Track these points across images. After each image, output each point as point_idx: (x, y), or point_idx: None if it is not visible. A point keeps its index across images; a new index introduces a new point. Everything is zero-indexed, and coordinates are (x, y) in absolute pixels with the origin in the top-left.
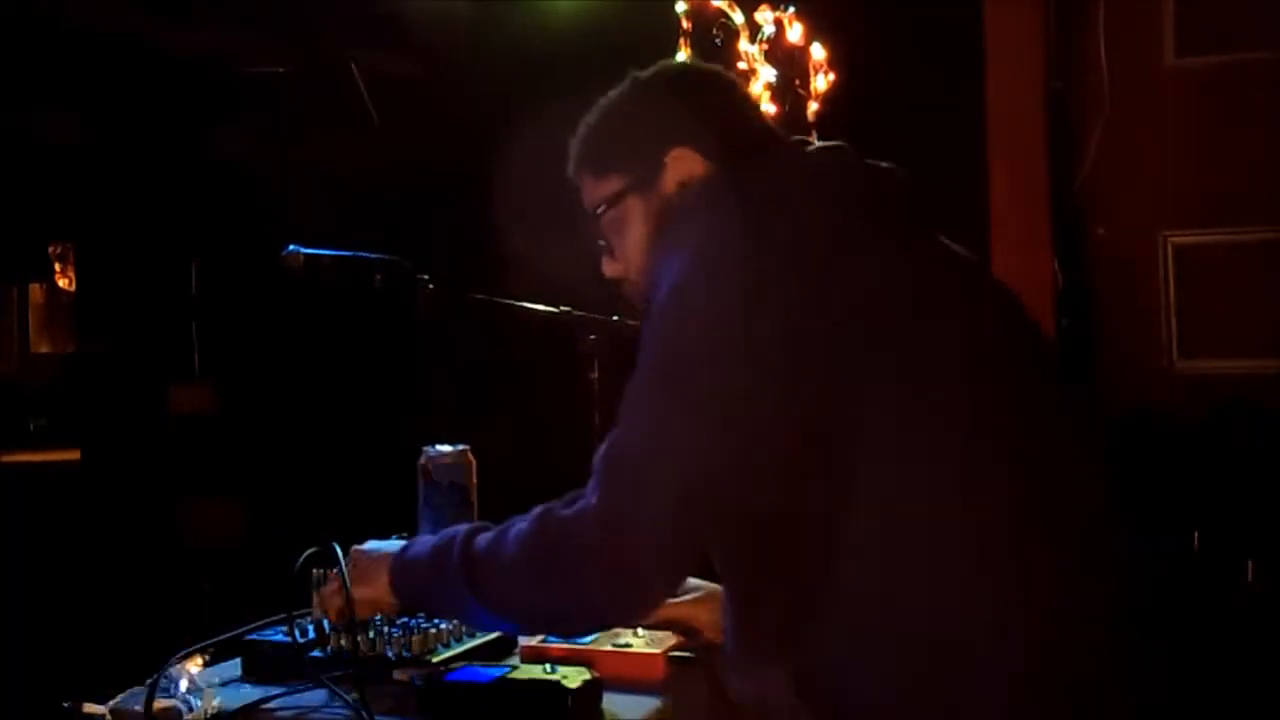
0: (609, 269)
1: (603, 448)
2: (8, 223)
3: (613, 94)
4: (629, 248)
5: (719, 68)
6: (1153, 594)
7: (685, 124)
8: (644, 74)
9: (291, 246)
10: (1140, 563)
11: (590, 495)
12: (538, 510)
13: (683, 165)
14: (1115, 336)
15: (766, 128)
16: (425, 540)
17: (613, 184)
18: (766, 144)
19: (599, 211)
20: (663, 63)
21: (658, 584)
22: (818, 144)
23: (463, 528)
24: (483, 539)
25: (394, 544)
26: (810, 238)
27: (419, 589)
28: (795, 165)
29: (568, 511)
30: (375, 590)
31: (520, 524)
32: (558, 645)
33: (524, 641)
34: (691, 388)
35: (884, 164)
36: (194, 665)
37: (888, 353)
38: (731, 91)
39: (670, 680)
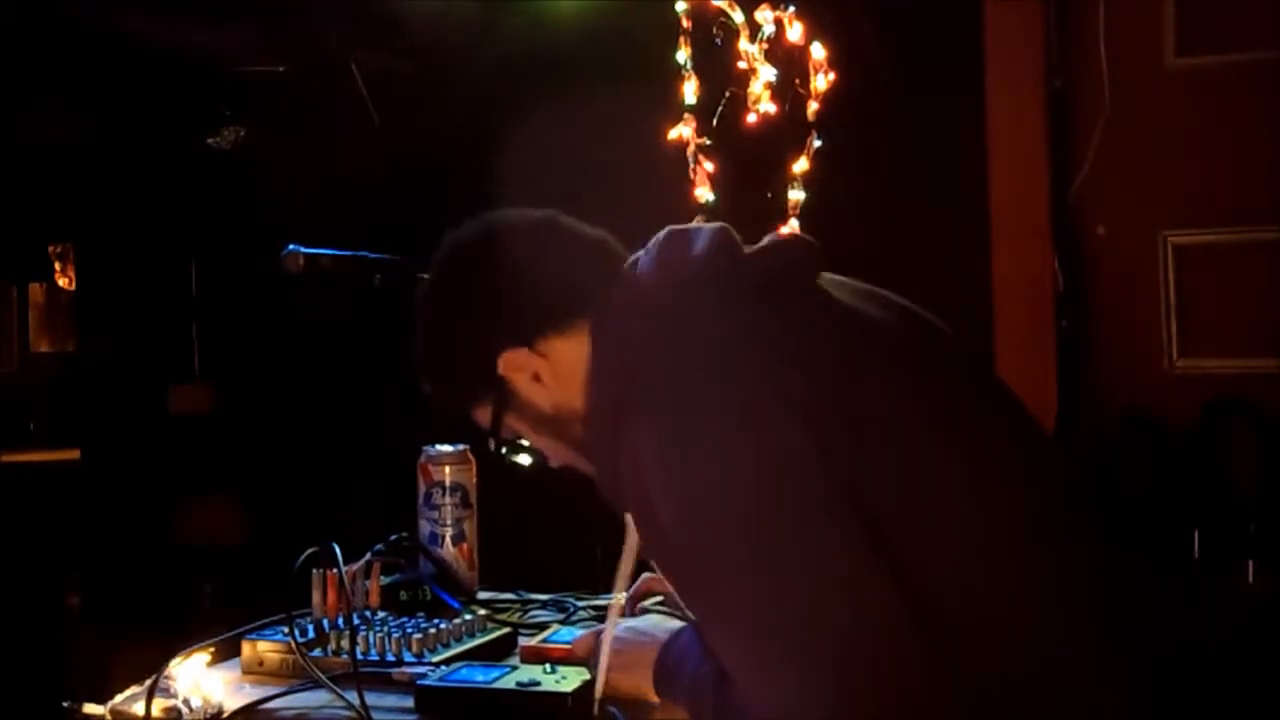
0: (554, 461)
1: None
2: (8, 223)
3: (419, 330)
4: (547, 449)
5: (508, 224)
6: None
7: (493, 326)
8: (426, 286)
9: (291, 246)
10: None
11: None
12: None
13: (518, 363)
14: (1115, 336)
15: (593, 252)
16: (686, 657)
17: (482, 414)
18: (601, 271)
19: (493, 445)
20: (439, 257)
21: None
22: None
23: (707, 668)
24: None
25: (649, 631)
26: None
27: (680, 702)
28: (688, 271)
29: None
30: (637, 683)
31: None
32: (558, 645)
33: (524, 642)
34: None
35: (780, 240)
36: (194, 665)
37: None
38: (531, 244)
39: None
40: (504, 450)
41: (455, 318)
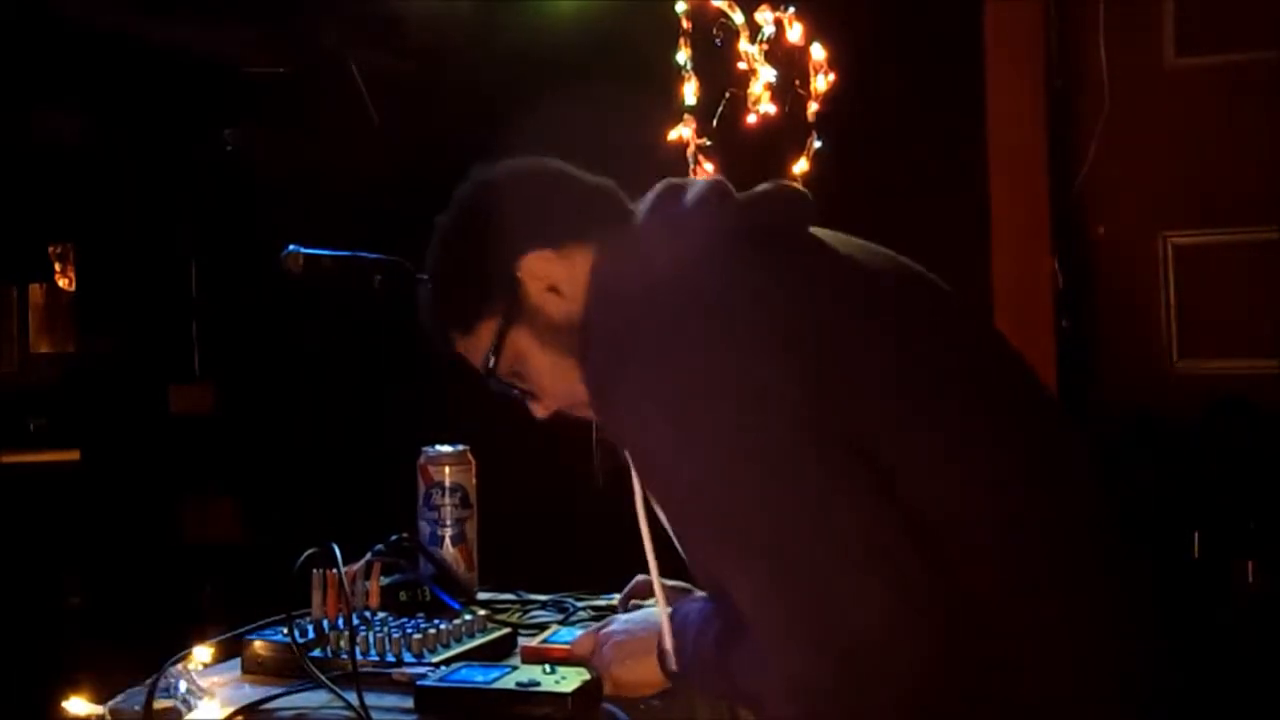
0: (540, 411)
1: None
2: (8, 223)
3: (431, 249)
4: (543, 380)
5: (525, 161)
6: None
7: (517, 231)
8: (450, 207)
9: (291, 246)
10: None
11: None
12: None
13: (539, 269)
14: (1115, 336)
15: (607, 190)
16: (683, 634)
17: (486, 331)
18: (615, 203)
19: (492, 365)
20: (466, 184)
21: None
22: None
23: (708, 642)
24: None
25: (646, 620)
26: (736, 278)
27: (692, 683)
28: (683, 216)
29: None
30: (641, 674)
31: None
32: (558, 646)
33: (524, 642)
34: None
35: (770, 190)
36: (194, 665)
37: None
38: (547, 174)
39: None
40: (495, 377)
41: (479, 221)
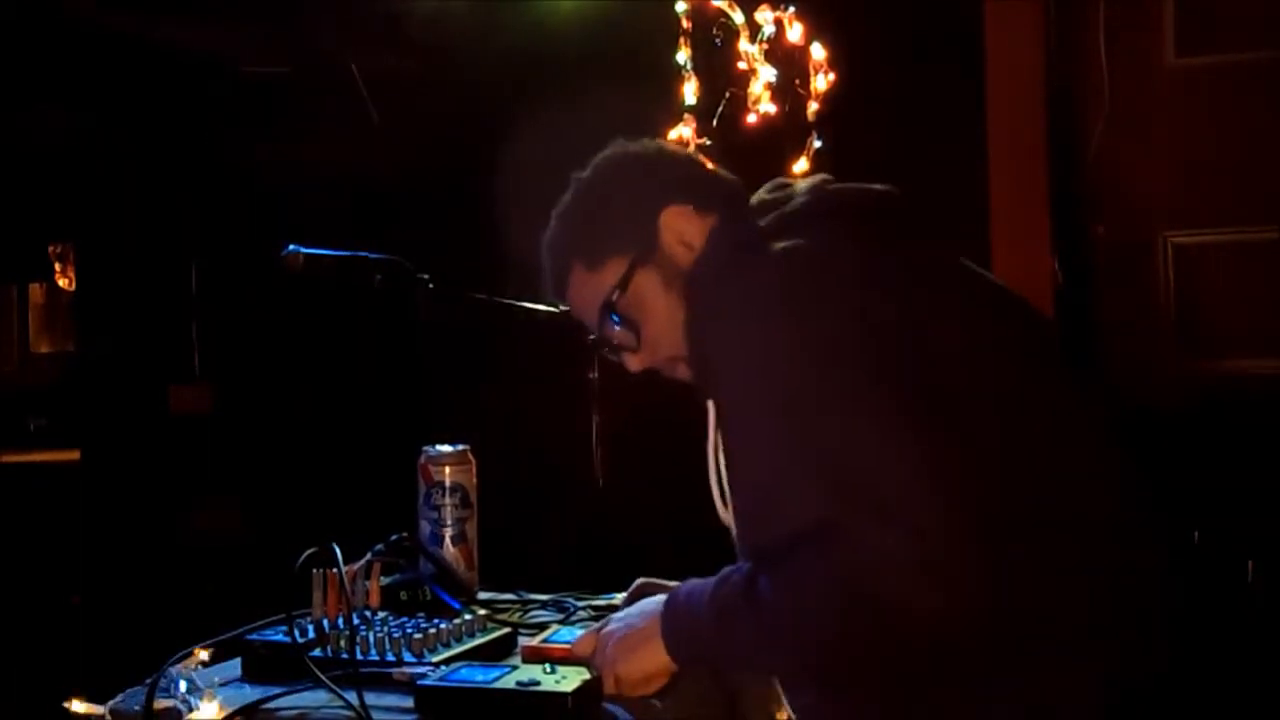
0: (636, 363)
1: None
2: (8, 223)
3: (573, 190)
4: (658, 324)
5: (667, 142)
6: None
7: (666, 184)
8: (597, 160)
9: (291, 246)
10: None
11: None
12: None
13: (677, 222)
14: (1115, 336)
15: (736, 180)
16: (694, 600)
17: (615, 267)
18: (741, 191)
19: (613, 299)
20: (611, 148)
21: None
22: (793, 183)
23: (736, 581)
24: (764, 588)
25: (642, 610)
26: (841, 265)
27: (705, 651)
28: (791, 201)
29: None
30: (643, 664)
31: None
32: (558, 645)
33: (524, 642)
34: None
35: (874, 186)
36: (194, 665)
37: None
38: (692, 155)
39: (668, 680)
40: (607, 319)
41: (626, 170)
